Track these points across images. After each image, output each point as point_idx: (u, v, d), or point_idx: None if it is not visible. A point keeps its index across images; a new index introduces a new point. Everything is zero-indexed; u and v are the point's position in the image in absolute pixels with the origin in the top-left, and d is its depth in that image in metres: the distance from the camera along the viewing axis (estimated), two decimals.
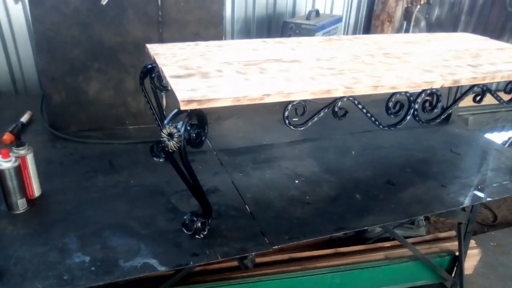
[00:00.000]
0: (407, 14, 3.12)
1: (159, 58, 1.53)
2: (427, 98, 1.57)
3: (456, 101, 1.67)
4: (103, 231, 1.45)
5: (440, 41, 2.03)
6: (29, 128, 2.15)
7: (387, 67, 1.55)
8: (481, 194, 1.78)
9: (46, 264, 1.29)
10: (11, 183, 1.46)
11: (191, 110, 1.22)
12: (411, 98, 1.53)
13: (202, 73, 1.38)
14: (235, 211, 1.60)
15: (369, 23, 3.34)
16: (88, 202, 1.59)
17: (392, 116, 1.56)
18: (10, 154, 1.46)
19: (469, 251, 2.47)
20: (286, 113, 1.37)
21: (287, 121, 1.38)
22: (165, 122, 1.22)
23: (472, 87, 1.62)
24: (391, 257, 2.38)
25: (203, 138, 1.31)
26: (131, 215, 1.53)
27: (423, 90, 1.52)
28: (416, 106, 1.56)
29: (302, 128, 1.42)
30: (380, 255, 2.40)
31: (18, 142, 1.51)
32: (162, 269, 1.31)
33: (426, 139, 2.27)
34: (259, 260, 2.33)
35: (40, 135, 2.08)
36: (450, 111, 1.69)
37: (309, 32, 2.51)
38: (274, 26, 3.14)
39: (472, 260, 2.53)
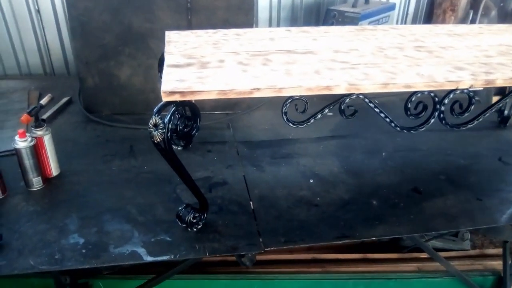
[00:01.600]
0: (474, 2, 2.78)
1: (169, 46, 1.51)
2: (458, 99, 1.38)
3: (493, 105, 1.44)
4: (103, 214, 1.48)
5: (494, 34, 1.77)
6: (68, 109, 2.28)
7: (411, 62, 1.38)
8: None
9: (44, 242, 1.34)
10: (28, 161, 1.54)
11: (180, 101, 1.19)
12: (436, 99, 1.35)
13: (202, 63, 1.33)
14: (238, 206, 1.55)
15: (431, 12, 3.04)
16: (98, 185, 1.64)
17: (412, 117, 1.40)
18: (27, 134, 1.54)
19: None
20: (285, 109, 1.28)
21: (285, 117, 1.29)
22: (154, 111, 1.20)
23: None
24: (425, 270, 2.18)
25: (195, 131, 1.27)
26: (134, 201, 1.55)
27: (452, 91, 1.33)
28: (443, 108, 1.38)
29: (303, 126, 1.32)
30: (412, 266, 2.22)
31: (36, 123, 1.59)
32: (148, 259, 1.30)
33: (473, 144, 2.02)
34: (279, 257, 2.27)
35: (76, 117, 2.19)
36: (487, 114, 1.47)
37: (353, 20, 2.34)
38: (323, 13, 2.99)
39: None
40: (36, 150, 1.57)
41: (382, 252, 2.36)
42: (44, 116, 2.12)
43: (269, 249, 1.36)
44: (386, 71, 1.30)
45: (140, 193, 1.60)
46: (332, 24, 2.43)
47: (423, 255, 2.28)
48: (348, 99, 1.29)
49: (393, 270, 2.20)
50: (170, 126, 1.16)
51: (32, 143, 1.54)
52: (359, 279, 2.14)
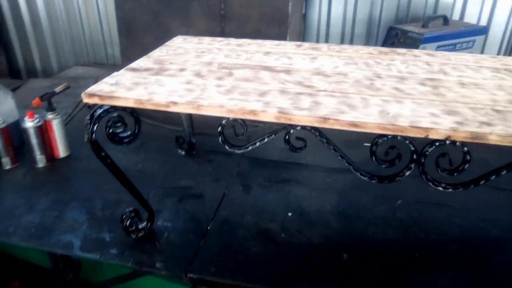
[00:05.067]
0: None
1: (159, 50, 1.51)
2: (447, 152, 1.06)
3: (499, 168, 1.06)
4: (73, 201, 1.55)
5: None
6: None
7: (399, 97, 1.11)
8: None
9: (9, 216, 1.47)
10: (34, 140, 1.71)
11: (112, 105, 1.16)
12: (412, 148, 1.07)
13: (160, 70, 1.29)
14: (195, 224, 1.47)
15: None
16: (89, 172, 1.73)
17: (384, 164, 1.13)
18: (35, 115, 1.70)
19: None
20: (220, 128, 1.16)
21: (220, 138, 1.16)
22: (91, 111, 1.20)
23: None
24: None
25: (130, 137, 1.23)
26: (106, 195, 1.59)
27: (436, 140, 1.03)
28: (423, 160, 1.08)
29: (240, 151, 1.18)
30: None
31: (48, 107, 1.74)
32: (76, 253, 1.32)
33: None
34: None
35: None
36: (492, 177, 1.09)
37: (414, 42, 2.01)
38: None
39: None
40: (43, 131, 1.73)
41: None
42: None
43: (191, 275, 1.24)
44: (344, 103, 1.07)
45: (116, 189, 1.62)
46: (392, 44, 2.12)
47: None
48: (292, 130, 1.10)
49: None
50: (93, 129, 1.15)
51: (39, 123, 1.70)
52: None
